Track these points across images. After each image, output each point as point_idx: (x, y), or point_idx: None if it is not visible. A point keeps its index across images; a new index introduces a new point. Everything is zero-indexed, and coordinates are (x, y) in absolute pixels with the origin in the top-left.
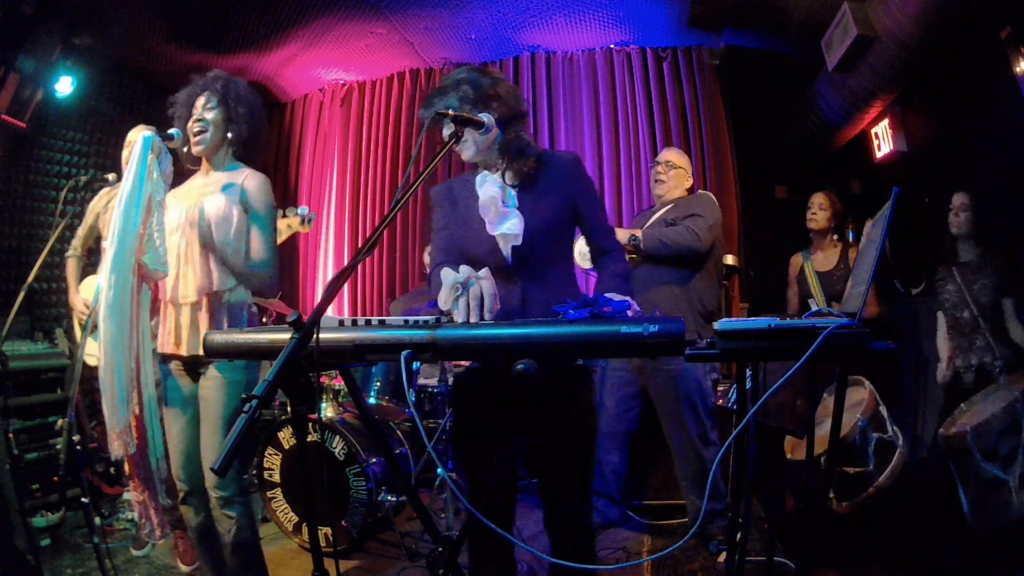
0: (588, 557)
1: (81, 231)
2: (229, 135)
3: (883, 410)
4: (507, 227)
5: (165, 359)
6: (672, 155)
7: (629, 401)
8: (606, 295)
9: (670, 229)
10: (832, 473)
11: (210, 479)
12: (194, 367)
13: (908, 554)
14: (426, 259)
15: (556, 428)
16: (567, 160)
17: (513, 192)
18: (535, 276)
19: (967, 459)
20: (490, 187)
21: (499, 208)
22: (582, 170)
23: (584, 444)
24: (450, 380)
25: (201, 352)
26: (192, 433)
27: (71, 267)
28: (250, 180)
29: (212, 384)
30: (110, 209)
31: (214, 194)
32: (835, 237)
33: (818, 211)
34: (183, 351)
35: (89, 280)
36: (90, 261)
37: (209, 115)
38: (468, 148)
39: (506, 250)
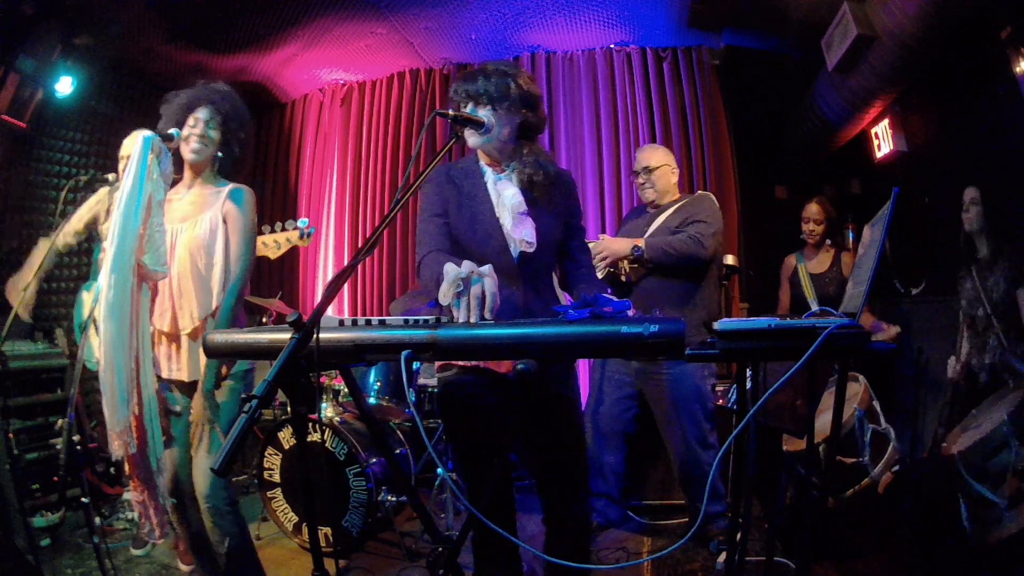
0: (584, 554)
1: (84, 214)
2: (221, 154)
3: (876, 404)
4: (527, 234)
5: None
6: (647, 157)
7: (626, 402)
8: (604, 296)
9: (674, 238)
10: (830, 466)
11: (200, 489)
12: (192, 386)
13: (907, 554)
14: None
15: (548, 423)
16: (569, 181)
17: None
18: (534, 281)
19: (961, 476)
20: (510, 189)
21: (519, 213)
22: (576, 192)
23: (575, 432)
24: (435, 382)
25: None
26: (185, 443)
27: (41, 248)
28: (236, 193)
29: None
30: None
31: (201, 216)
32: (828, 243)
33: (814, 225)
34: (184, 376)
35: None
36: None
37: (214, 133)
38: (474, 138)
39: (515, 252)
